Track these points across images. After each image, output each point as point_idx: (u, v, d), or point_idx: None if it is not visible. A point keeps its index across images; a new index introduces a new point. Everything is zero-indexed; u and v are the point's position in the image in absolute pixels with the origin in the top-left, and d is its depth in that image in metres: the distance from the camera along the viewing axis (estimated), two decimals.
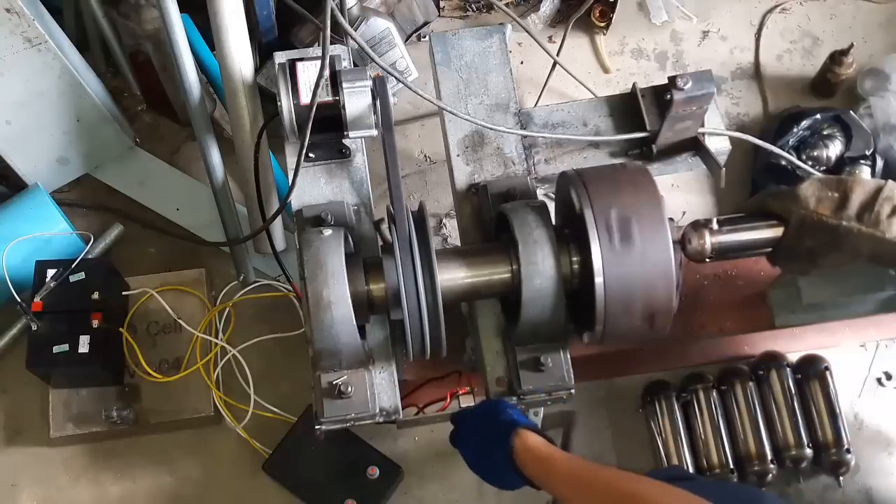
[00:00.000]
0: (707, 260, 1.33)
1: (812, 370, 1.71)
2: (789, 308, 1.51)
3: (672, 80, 1.40)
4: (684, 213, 1.93)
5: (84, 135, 1.84)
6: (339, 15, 1.36)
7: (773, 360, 1.71)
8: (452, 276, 1.30)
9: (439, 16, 2.10)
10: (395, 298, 1.26)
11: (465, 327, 1.45)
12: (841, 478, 1.68)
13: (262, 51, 1.80)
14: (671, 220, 1.25)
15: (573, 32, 2.08)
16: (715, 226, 1.32)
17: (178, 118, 1.98)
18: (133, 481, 1.73)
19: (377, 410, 1.33)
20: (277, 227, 1.80)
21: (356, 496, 1.63)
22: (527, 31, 1.90)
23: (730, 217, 1.34)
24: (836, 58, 1.99)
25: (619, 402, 1.78)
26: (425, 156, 2.01)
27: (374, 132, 1.37)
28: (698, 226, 1.32)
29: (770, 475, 1.67)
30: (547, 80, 1.97)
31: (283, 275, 1.75)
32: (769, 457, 1.67)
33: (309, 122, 1.34)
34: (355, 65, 1.59)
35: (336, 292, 1.22)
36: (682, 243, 1.31)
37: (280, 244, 1.80)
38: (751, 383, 1.70)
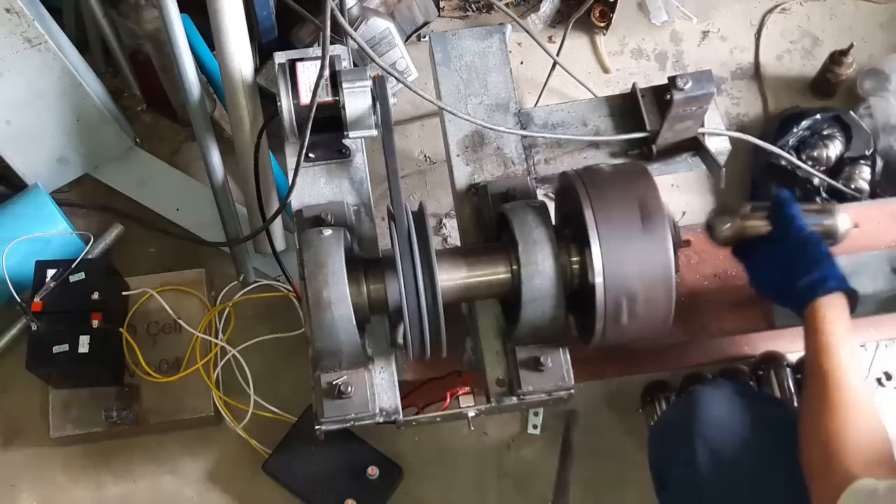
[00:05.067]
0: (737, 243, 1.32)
1: None
2: None
3: (672, 80, 1.40)
4: (684, 213, 1.93)
5: (84, 135, 1.84)
6: (339, 15, 1.36)
7: (773, 360, 1.71)
8: (452, 276, 1.30)
9: (439, 16, 2.10)
10: (395, 298, 1.26)
11: (465, 327, 1.45)
12: None
13: (262, 51, 1.80)
14: (670, 219, 1.25)
15: (573, 32, 2.08)
16: (748, 210, 1.31)
17: (178, 118, 1.98)
18: (133, 481, 1.73)
19: (377, 410, 1.33)
20: (277, 227, 1.80)
21: (356, 496, 1.63)
22: (527, 31, 1.90)
23: (763, 204, 1.33)
24: (836, 58, 1.99)
25: (619, 402, 1.78)
26: (425, 156, 2.01)
27: (374, 132, 1.37)
28: (728, 209, 1.31)
29: None
30: (547, 80, 1.97)
31: (283, 275, 1.75)
32: None
33: (309, 122, 1.34)
34: (355, 65, 1.59)
35: (336, 292, 1.22)
36: (709, 228, 1.31)
37: (280, 244, 1.80)
38: (751, 383, 1.70)
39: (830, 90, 2.04)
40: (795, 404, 1.68)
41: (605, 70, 2.11)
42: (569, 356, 1.35)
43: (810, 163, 1.85)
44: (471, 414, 1.36)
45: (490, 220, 1.41)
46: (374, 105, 1.36)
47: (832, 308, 1.23)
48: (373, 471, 1.65)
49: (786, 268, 1.28)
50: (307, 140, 1.35)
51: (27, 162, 1.83)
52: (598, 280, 1.22)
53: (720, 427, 1.29)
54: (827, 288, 1.23)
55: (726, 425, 1.29)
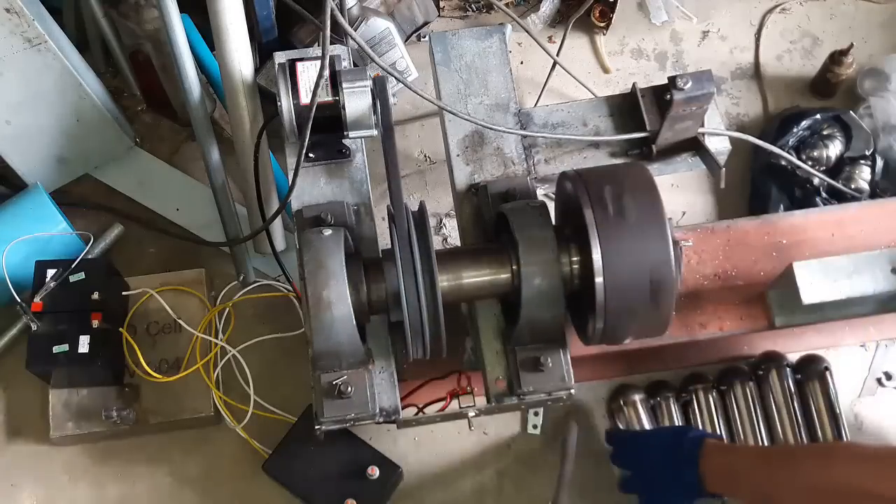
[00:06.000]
0: None
1: (812, 370, 1.71)
2: (789, 308, 1.51)
3: (672, 80, 1.41)
4: (684, 213, 1.93)
5: (84, 135, 1.84)
6: (339, 15, 1.36)
7: (773, 360, 1.71)
8: (452, 276, 1.30)
9: (439, 16, 2.10)
10: (394, 298, 1.26)
11: (465, 327, 1.45)
12: None
13: (262, 51, 1.80)
14: (671, 219, 1.25)
15: (573, 32, 2.08)
16: None
17: (178, 118, 1.98)
18: (133, 481, 1.73)
19: (377, 410, 1.33)
20: (277, 227, 1.80)
21: (356, 496, 1.63)
22: (527, 31, 1.90)
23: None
24: (836, 58, 1.99)
25: None
26: (425, 156, 2.01)
27: (374, 132, 1.37)
28: None
29: None
30: (547, 80, 1.97)
31: (283, 275, 1.75)
32: None
33: (309, 123, 1.34)
34: (355, 65, 1.59)
35: (336, 292, 1.22)
36: None
37: (280, 244, 1.80)
38: (751, 383, 1.70)
39: (830, 90, 2.04)
40: (796, 405, 1.68)
41: (605, 70, 2.11)
42: (569, 356, 1.35)
43: (810, 163, 1.85)
44: (471, 414, 1.36)
45: (490, 220, 1.41)
46: (374, 105, 1.36)
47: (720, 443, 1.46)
48: (373, 471, 1.64)
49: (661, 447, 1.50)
50: (307, 140, 1.35)
51: (27, 162, 1.83)
52: (598, 280, 1.22)
53: None
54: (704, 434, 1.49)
55: None
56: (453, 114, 1.46)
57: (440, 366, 1.43)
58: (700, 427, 1.68)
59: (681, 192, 1.95)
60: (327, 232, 1.27)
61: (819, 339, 1.74)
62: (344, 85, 1.34)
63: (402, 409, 1.36)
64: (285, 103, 1.36)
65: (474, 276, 1.31)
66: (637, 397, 1.70)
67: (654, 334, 1.31)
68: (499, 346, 1.38)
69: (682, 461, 1.44)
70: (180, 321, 1.74)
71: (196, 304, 1.77)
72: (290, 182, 1.41)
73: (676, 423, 1.69)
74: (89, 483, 1.73)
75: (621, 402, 1.70)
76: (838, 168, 1.88)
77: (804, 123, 1.89)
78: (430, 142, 2.01)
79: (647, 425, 1.68)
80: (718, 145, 1.52)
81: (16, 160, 1.81)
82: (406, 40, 1.91)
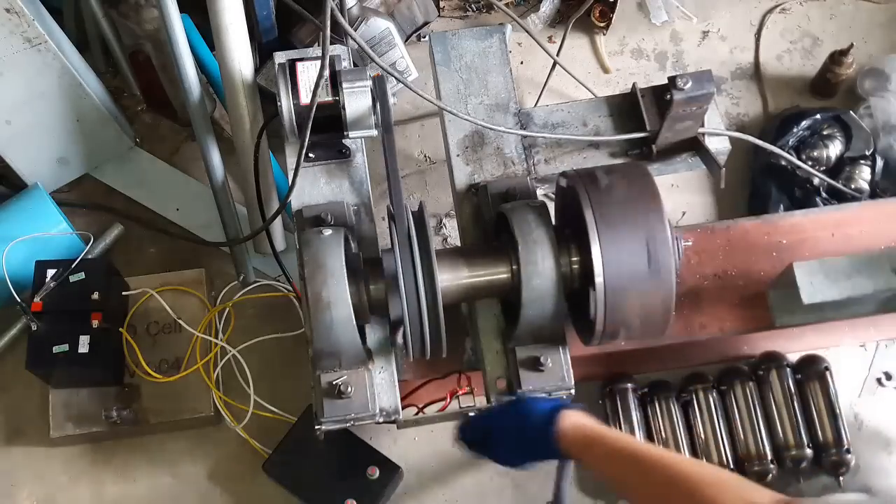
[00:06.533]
0: None
1: (812, 370, 1.71)
2: (789, 308, 1.51)
3: (672, 80, 1.41)
4: (684, 213, 1.93)
5: (84, 135, 1.84)
6: (339, 15, 1.36)
7: (773, 360, 1.71)
8: (452, 276, 1.30)
9: (439, 16, 2.10)
10: (394, 298, 1.26)
11: (465, 327, 1.45)
12: (841, 478, 1.68)
13: (262, 51, 1.80)
14: (670, 220, 1.25)
15: (573, 32, 2.08)
16: None
17: (178, 118, 1.98)
18: (133, 481, 1.74)
19: (377, 410, 1.33)
20: (277, 227, 1.80)
21: (356, 496, 1.63)
22: (527, 31, 1.90)
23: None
24: (836, 58, 1.99)
25: None
26: (425, 156, 2.01)
27: (374, 132, 1.37)
28: None
29: (770, 475, 1.66)
30: (547, 80, 1.97)
31: (283, 275, 1.75)
32: (769, 457, 1.67)
33: (309, 122, 1.34)
34: (355, 65, 1.59)
35: (336, 293, 1.22)
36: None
37: (280, 244, 1.80)
38: (751, 383, 1.70)
39: (830, 90, 2.04)
40: (796, 405, 1.68)
41: (605, 70, 2.11)
42: (569, 356, 1.35)
43: (810, 163, 1.85)
44: (471, 414, 1.36)
45: (490, 220, 1.41)
46: (374, 105, 1.36)
47: (580, 416, 1.23)
48: (373, 471, 1.64)
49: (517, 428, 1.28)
50: (307, 140, 1.35)
51: (27, 162, 1.83)
52: (599, 280, 1.22)
53: None
54: (564, 405, 1.25)
55: None
56: (453, 114, 1.46)
57: (440, 366, 1.43)
58: (700, 426, 1.68)
59: (681, 192, 1.95)
60: (327, 232, 1.27)
61: (819, 339, 1.74)
62: (344, 85, 1.34)
63: (402, 409, 1.36)
64: (285, 103, 1.36)
65: (474, 276, 1.31)
66: (629, 385, 1.70)
67: (654, 335, 1.31)
68: (499, 346, 1.38)
69: (538, 427, 1.29)
70: (180, 321, 1.74)
71: (196, 304, 1.77)
72: (290, 182, 1.41)
73: (676, 423, 1.69)
74: (89, 483, 1.73)
75: (611, 389, 1.70)
76: (838, 168, 1.88)
77: (804, 123, 1.89)
78: (430, 142, 2.01)
79: (634, 413, 1.68)
80: (718, 145, 1.52)
81: (16, 160, 1.81)
82: (406, 40, 1.91)
